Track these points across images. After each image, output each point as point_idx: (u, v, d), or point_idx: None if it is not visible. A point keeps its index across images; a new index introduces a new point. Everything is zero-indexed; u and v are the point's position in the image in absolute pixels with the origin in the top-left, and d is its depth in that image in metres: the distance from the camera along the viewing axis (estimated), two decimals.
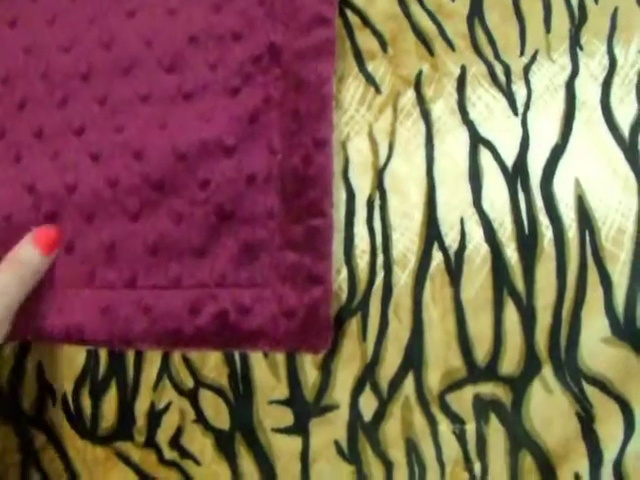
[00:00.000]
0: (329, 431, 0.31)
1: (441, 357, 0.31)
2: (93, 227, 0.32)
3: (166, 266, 0.31)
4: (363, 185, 0.32)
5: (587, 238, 0.31)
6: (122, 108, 0.34)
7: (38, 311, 0.32)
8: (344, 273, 0.31)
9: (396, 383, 0.31)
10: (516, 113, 0.32)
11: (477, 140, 0.32)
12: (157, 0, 0.35)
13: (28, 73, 0.35)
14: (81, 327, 0.31)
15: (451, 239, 0.31)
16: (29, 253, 0.31)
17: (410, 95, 0.33)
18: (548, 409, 0.30)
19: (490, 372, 0.31)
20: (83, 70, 0.34)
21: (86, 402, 0.32)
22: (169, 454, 0.32)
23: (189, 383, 0.32)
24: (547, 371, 0.30)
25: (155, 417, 0.32)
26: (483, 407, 0.31)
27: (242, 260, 0.31)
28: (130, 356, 0.32)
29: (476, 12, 0.34)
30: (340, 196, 0.32)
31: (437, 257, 0.31)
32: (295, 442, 0.31)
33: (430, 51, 0.33)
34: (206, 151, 0.32)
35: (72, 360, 0.32)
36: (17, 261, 0.31)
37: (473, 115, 0.32)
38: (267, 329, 0.30)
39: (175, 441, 0.32)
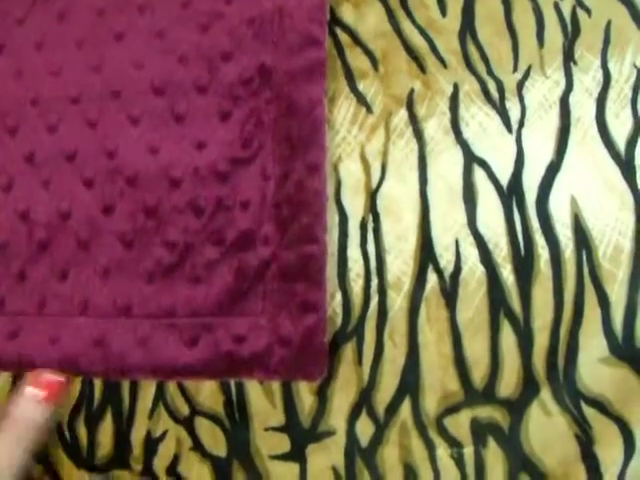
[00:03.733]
0: (326, 457, 0.31)
1: (438, 381, 0.30)
2: (87, 254, 0.32)
3: (160, 294, 0.31)
4: (356, 208, 0.32)
5: (584, 257, 0.31)
6: (113, 132, 0.33)
7: (30, 342, 0.31)
8: (338, 297, 0.31)
9: (393, 408, 0.31)
10: (510, 131, 0.32)
11: (471, 159, 0.32)
12: (145, 22, 0.34)
13: (18, 98, 0.35)
14: (76, 359, 0.31)
15: (446, 261, 0.31)
16: (30, 409, 0.29)
17: (402, 114, 0.32)
18: (547, 431, 0.30)
19: (488, 395, 0.30)
20: (73, 94, 0.34)
21: (82, 431, 0.32)
22: None
23: (185, 411, 0.32)
24: (545, 393, 0.30)
25: (151, 445, 0.32)
26: (481, 430, 0.30)
27: (237, 288, 0.31)
28: (125, 384, 0.32)
29: (468, 27, 0.33)
30: (333, 219, 0.32)
31: (432, 279, 0.31)
32: (292, 468, 0.31)
33: (422, 68, 0.33)
34: (199, 177, 0.32)
35: (67, 389, 0.32)
36: (13, 419, 0.29)
37: (467, 134, 0.32)
38: (262, 358, 0.30)
39: (172, 469, 0.32)
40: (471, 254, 0.31)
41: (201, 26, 0.34)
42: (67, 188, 0.33)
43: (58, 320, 0.32)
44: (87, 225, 0.32)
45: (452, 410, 0.30)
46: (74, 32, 0.35)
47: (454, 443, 0.30)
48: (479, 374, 0.30)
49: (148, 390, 0.32)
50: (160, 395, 0.32)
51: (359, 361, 0.31)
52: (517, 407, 0.30)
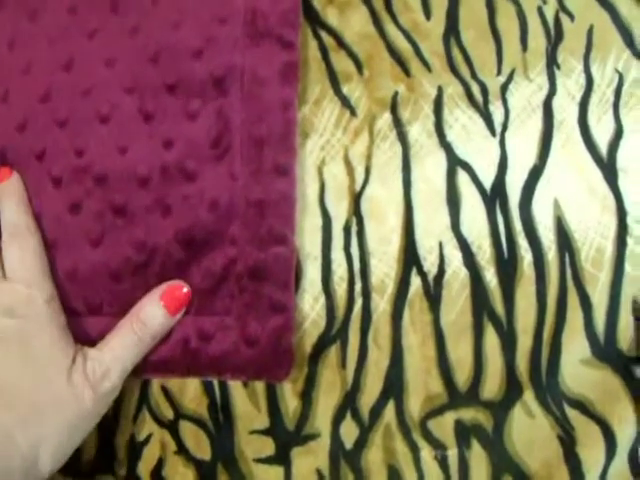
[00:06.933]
0: (311, 460, 0.31)
1: (421, 383, 0.31)
2: (55, 254, 0.32)
3: (130, 293, 0.31)
4: (340, 211, 0.32)
5: (567, 260, 0.31)
6: (82, 130, 0.33)
7: None
8: (322, 301, 0.31)
9: (377, 410, 0.31)
10: (494, 134, 0.32)
11: (455, 162, 0.32)
12: (117, 20, 0.34)
13: None
14: None
15: (430, 264, 0.31)
16: (154, 313, 0.30)
17: (386, 118, 0.32)
18: (530, 433, 0.30)
19: (471, 397, 0.30)
20: (42, 92, 0.34)
21: None
22: None
23: (169, 414, 0.31)
24: (528, 395, 0.30)
25: (136, 449, 0.32)
26: (465, 432, 0.31)
27: (205, 288, 0.31)
28: None
29: (452, 31, 0.33)
30: (316, 222, 0.32)
31: (416, 282, 0.31)
32: (277, 472, 0.31)
33: (406, 72, 0.33)
34: (167, 176, 0.32)
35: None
36: (140, 321, 0.30)
37: (450, 137, 0.32)
38: (229, 357, 0.30)
39: (156, 473, 0.32)
40: (454, 257, 0.31)
41: (173, 23, 0.33)
42: (35, 186, 0.33)
43: None
44: (55, 224, 0.32)
45: (436, 412, 0.31)
46: (46, 30, 0.35)
47: (438, 445, 0.31)
48: (463, 376, 0.31)
49: (132, 393, 0.32)
50: (144, 398, 0.32)
51: (343, 364, 0.31)
52: (500, 409, 0.30)
